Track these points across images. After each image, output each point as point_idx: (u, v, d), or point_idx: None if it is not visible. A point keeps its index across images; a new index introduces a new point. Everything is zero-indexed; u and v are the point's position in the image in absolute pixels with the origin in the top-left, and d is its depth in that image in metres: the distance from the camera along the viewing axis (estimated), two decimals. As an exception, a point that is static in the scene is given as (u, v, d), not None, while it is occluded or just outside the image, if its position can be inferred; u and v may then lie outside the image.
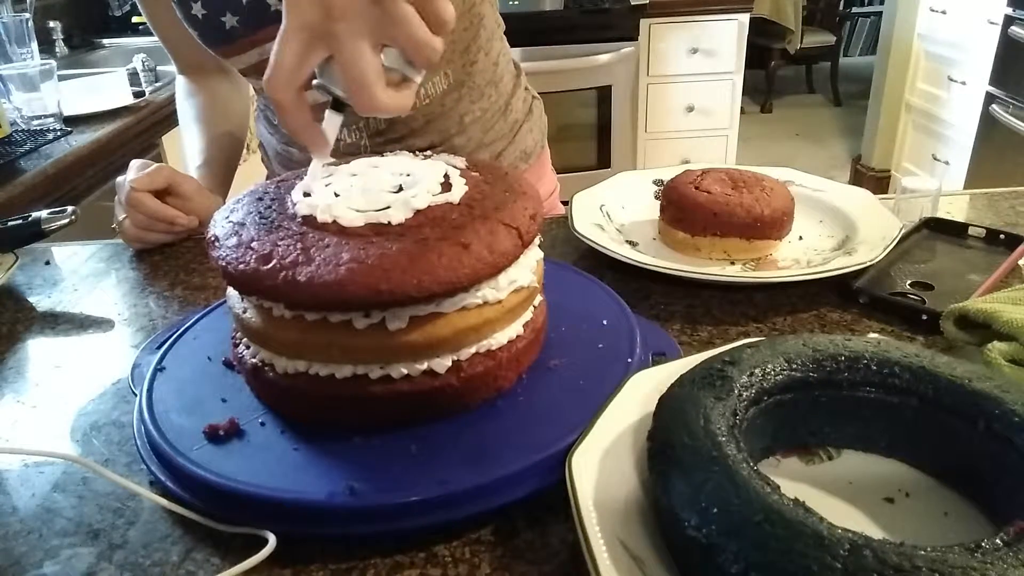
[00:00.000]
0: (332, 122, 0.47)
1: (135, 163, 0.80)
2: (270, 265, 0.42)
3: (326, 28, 0.42)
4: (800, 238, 0.72)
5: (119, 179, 0.80)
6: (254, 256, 0.43)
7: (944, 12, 2.79)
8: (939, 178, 2.68)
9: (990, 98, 2.50)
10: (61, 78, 1.58)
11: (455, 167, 0.51)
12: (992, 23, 2.48)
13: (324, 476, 0.42)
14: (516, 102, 0.96)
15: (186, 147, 0.94)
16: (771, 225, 0.67)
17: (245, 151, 1.02)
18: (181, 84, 0.98)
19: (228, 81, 0.99)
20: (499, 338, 0.47)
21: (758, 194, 0.68)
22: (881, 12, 3.31)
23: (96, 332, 0.66)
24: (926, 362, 0.41)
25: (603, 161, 2.90)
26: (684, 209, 0.69)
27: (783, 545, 0.30)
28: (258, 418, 0.48)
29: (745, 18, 2.77)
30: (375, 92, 0.43)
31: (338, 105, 0.46)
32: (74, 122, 1.51)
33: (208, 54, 0.81)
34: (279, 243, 0.44)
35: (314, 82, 0.46)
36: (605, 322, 0.55)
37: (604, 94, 2.77)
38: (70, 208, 0.76)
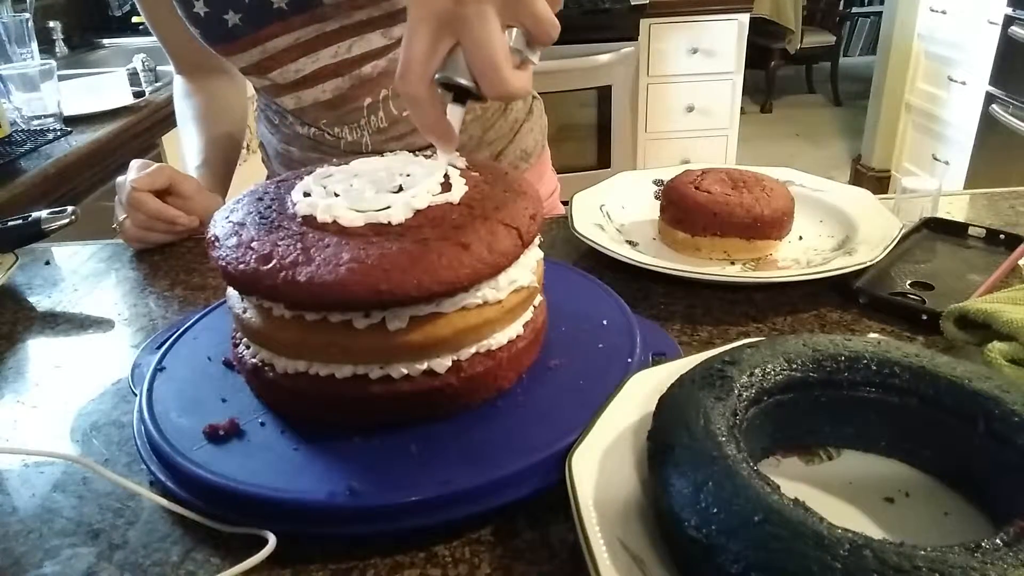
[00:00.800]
0: (455, 115, 0.47)
1: (135, 163, 0.80)
2: (270, 265, 0.42)
3: (455, 13, 0.43)
4: (800, 238, 0.72)
5: (119, 179, 0.80)
6: (254, 256, 0.43)
7: (944, 12, 2.79)
8: (939, 178, 2.68)
9: (990, 98, 2.51)
10: (61, 78, 1.58)
11: (455, 167, 0.51)
12: (992, 23, 2.48)
13: (324, 476, 0.42)
14: (515, 102, 0.96)
15: (184, 147, 0.94)
16: (771, 225, 0.67)
17: (245, 151, 1.02)
18: (179, 84, 0.99)
19: (226, 81, 0.99)
20: (499, 338, 0.47)
21: (758, 194, 0.68)
22: (881, 12, 3.31)
23: (96, 332, 0.66)
24: (926, 362, 0.41)
25: (603, 161, 2.90)
26: (684, 209, 0.69)
27: (783, 545, 0.30)
28: (258, 418, 0.48)
29: (745, 18, 2.77)
30: (506, 73, 0.43)
31: (459, 98, 0.47)
32: (74, 122, 1.51)
33: (207, 54, 0.82)
34: (279, 243, 0.44)
35: (436, 76, 0.45)
36: (605, 322, 0.55)
37: (604, 94, 2.78)
38: (70, 208, 0.76)
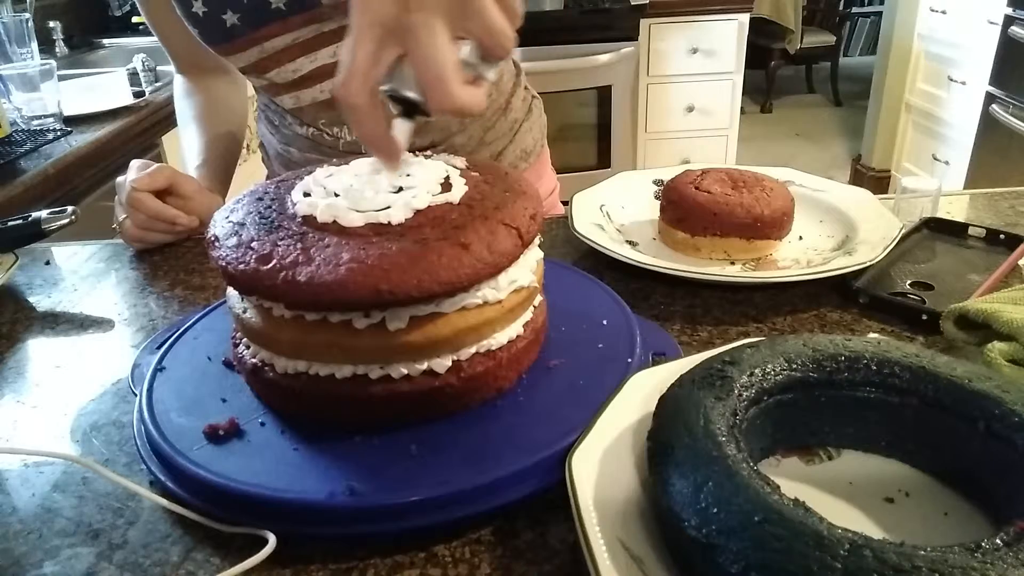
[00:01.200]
0: (403, 131, 0.45)
1: (135, 163, 0.80)
2: (270, 265, 0.42)
3: (401, 22, 0.40)
4: (800, 238, 0.72)
5: (119, 179, 0.80)
6: (254, 256, 0.43)
7: (944, 12, 2.79)
8: (939, 178, 2.68)
9: (990, 98, 2.51)
10: (61, 78, 1.58)
11: (455, 167, 0.51)
12: (992, 23, 2.48)
13: (324, 476, 0.42)
14: (516, 101, 0.96)
15: (184, 147, 0.94)
16: (771, 225, 0.67)
17: (245, 151, 1.02)
18: (179, 84, 0.98)
19: (227, 81, 0.99)
20: (499, 338, 0.47)
21: (758, 194, 0.68)
22: (881, 12, 3.31)
23: (96, 332, 0.66)
24: (926, 362, 0.41)
25: (603, 161, 2.90)
26: (684, 209, 0.69)
27: (783, 545, 0.30)
28: (258, 418, 0.48)
29: (745, 18, 2.77)
30: (454, 88, 0.40)
31: (408, 112, 0.44)
32: (74, 122, 1.51)
33: (207, 53, 0.81)
34: (279, 243, 0.44)
35: (382, 88, 0.43)
36: (605, 322, 0.55)
37: (604, 94, 2.78)
38: (70, 208, 0.76)
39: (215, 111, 0.96)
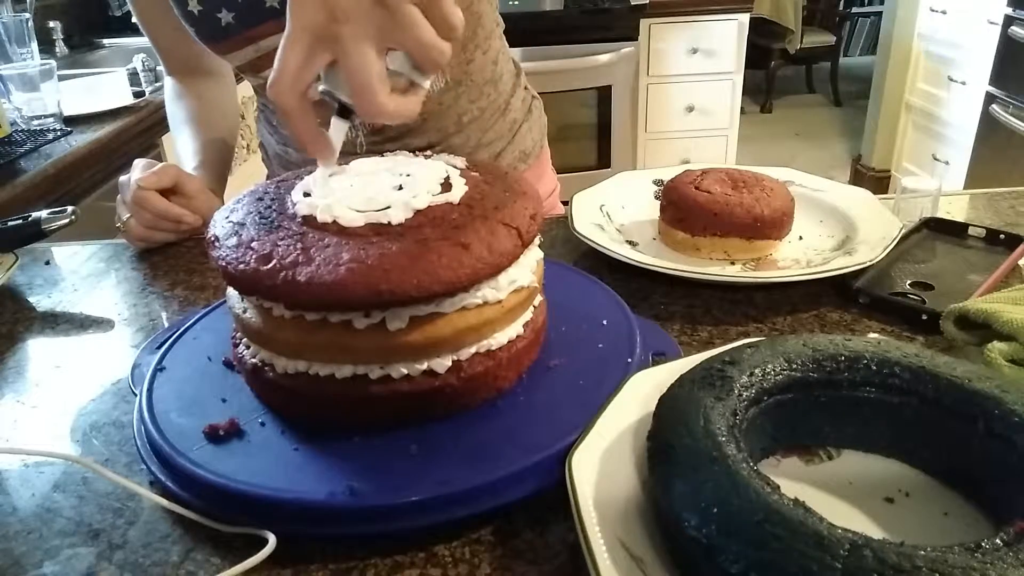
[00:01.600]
0: (338, 129, 0.46)
1: (139, 162, 0.80)
2: (270, 265, 0.42)
3: (330, 31, 0.42)
4: (800, 238, 0.72)
5: (122, 178, 0.80)
6: (254, 256, 0.43)
7: (944, 12, 2.79)
8: (939, 178, 2.68)
9: (990, 98, 2.51)
10: (61, 78, 1.58)
11: (455, 167, 0.51)
12: (992, 23, 2.48)
13: (324, 476, 0.42)
14: (515, 101, 0.96)
15: (179, 149, 0.94)
16: (771, 225, 0.67)
17: (245, 151, 1.02)
18: (170, 86, 0.98)
19: (217, 84, 0.98)
20: (499, 338, 0.47)
21: (758, 194, 0.68)
22: (881, 12, 3.31)
23: (96, 332, 0.66)
24: (926, 362, 0.41)
25: (603, 161, 2.90)
26: (684, 209, 0.69)
27: (783, 545, 0.30)
28: (258, 418, 0.48)
29: (745, 18, 2.77)
30: (379, 98, 0.42)
31: (344, 112, 0.46)
32: (74, 122, 1.51)
33: (198, 55, 0.81)
34: (279, 243, 0.44)
35: (319, 88, 0.45)
36: (605, 322, 0.55)
37: (604, 94, 2.77)
38: (70, 208, 0.76)
39: (208, 114, 0.95)
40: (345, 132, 0.47)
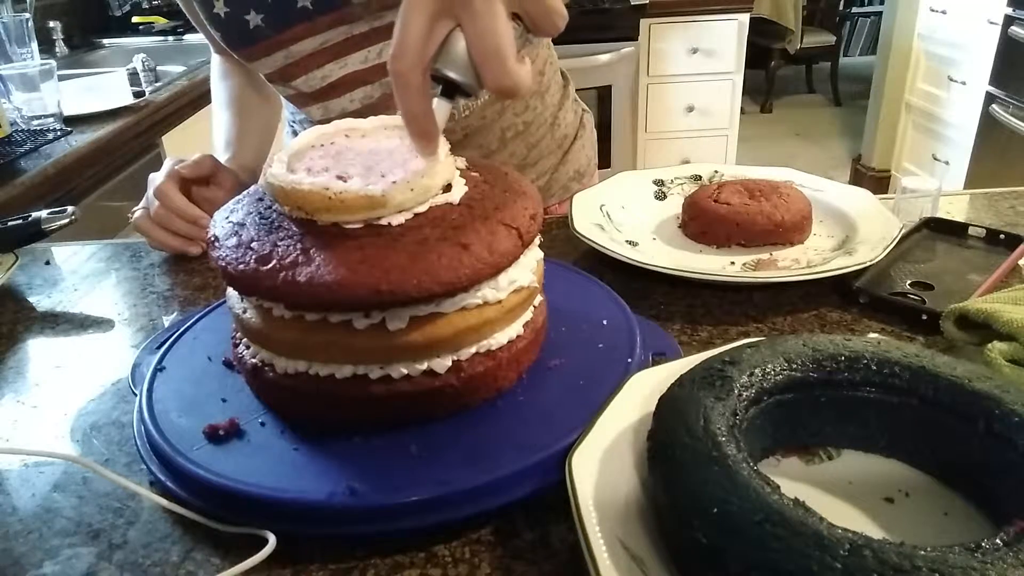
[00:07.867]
0: (441, 111, 0.43)
1: (169, 159, 0.79)
2: (270, 265, 0.42)
3: None
4: (800, 238, 0.72)
5: (152, 175, 0.78)
6: (254, 256, 0.43)
7: (944, 12, 2.79)
8: (939, 178, 2.68)
9: (990, 98, 2.51)
10: (61, 78, 1.58)
11: (455, 167, 0.51)
12: (992, 23, 2.48)
13: (324, 476, 0.42)
14: (565, 115, 0.91)
15: (215, 132, 0.91)
16: (792, 229, 0.69)
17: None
18: (216, 64, 0.95)
19: None
20: (499, 338, 0.47)
21: (776, 201, 0.70)
22: (881, 12, 3.31)
23: (96, 332, 0.66)
24: (926, 362, 0.41)
25: (603, 161, 2.86)
26: (707, 223, 0.71)
27: (783, 545, 0.30)
28: (258, 418, 0.48)
29: (745, 18, 2.77)
30: (511, 65, 0.39)
31: (447, 92, 0.43)
32: (74, 122, 1.51)
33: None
34: (279, 243, 0.44)
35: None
36: (605, 322, 0.55)
37: (604, 94, 2.77)
38: (70, 208, 0.76)
39: (249, 99, 0.92)
40: (447, 117, 0.43)
